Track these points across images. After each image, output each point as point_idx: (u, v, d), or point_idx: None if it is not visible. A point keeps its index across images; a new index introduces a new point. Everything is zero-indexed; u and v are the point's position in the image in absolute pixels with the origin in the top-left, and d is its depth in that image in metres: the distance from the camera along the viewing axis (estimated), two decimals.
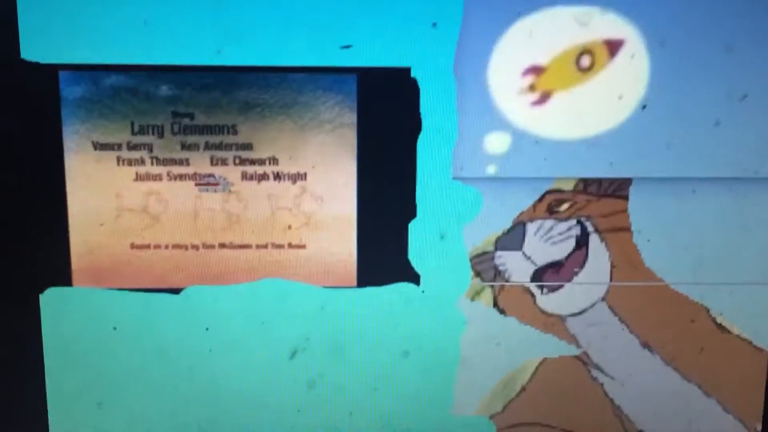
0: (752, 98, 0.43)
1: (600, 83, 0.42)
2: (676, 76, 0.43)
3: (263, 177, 0.43)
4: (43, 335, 0.45)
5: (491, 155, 0.43)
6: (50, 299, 0.44)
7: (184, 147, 0.43)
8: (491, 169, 0.44)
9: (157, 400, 0.46)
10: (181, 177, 0.43)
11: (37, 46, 0.41)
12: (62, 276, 0.44)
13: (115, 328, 0.45)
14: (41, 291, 0.44)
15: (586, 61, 0.42)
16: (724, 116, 0.43)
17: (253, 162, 0.43)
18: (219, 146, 0.43)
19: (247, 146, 0.43)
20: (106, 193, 0.43)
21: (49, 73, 0.41)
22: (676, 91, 0.43)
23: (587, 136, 0.43)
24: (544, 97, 0.43)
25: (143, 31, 0.41)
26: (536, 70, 0.42)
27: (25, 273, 0.44)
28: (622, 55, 0.42)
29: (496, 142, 0.43)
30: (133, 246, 0.44)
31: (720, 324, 0.46)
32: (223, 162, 0.43)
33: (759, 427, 0.48)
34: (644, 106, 0.43)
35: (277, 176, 0.43)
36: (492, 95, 0.43)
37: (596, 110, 0.43)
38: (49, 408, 0.46)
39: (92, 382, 0.46)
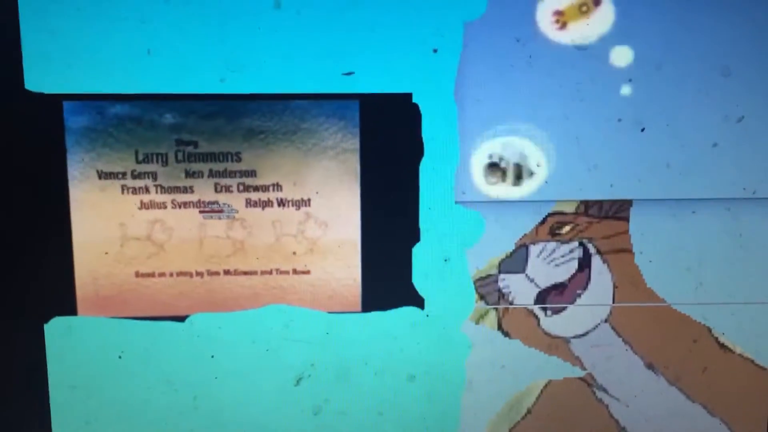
0: (749, 120, 0.43)
1: (599, 106, 0.42)
2: (674, 99, 0.42)
3: (267, 203, 0.43)
4: (48, 365, 0.44)
5: (493, 179, 0.43)
6: (55, 329, 0.44)
7: (188, 175, 0.42)
8: (493, 193, 0.43)
9: (163, 428, 0.45)
10: (185, 204, 0.43)
11: (41, 76, 0.41)
12: (67, 305, 0.43)
13: (120, 357, 0.44)
14: (46, 321, 0.44)
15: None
16: (721, 138, 0.43)
17: (257, 189, 0.42)
18: (223, 173, 0.42)
19: (251, 173, 0.42)
20: (110, 222, 0.42)
21: (53, 103, 0.41)
22: (674, 114, 0.43)
23: (587, 158, 0.43)
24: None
25: (147, 61, 0.41)
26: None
27: (30, 302, 0.43)
28: (620, 78, 0.42)
29: (498, 167, 0.43)
30: (138, 274, 0.43)
31: (723, 344, 0.46)
32: (227, 189, 0.42)
33: None
34: (643, 129, 0.43)
35: (281, 203, 0.43)
36: (492, 120, 0.42)
37: (596, 133, 0.43)
38: None
39: (98, 412, 0.45)
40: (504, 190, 0.43)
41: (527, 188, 0.43)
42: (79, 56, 0.41)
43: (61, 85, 0.41)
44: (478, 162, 0.42)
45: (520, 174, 0.43)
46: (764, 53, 0.42)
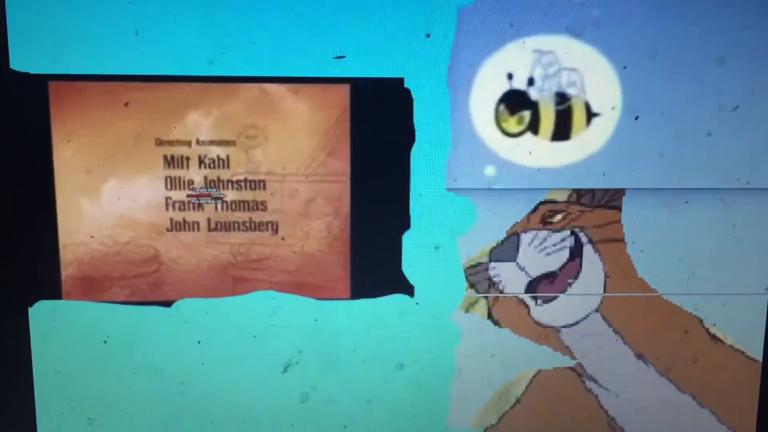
0: (743, 109, 0.42)
1: (593, 95, 0.41)
2: (668, 88, 0.42)
3: (256, 185, 0.42)
4: (32, 349, 0.43)
5: (485, 166, 0.42)
6: (39, 312, 0.43)
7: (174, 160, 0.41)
8: (485, 180, 0.42)
9: (149, 415, 0.45)
10: (172, 187, 0.42)
11: (26, 56, 0.40)
12: (52, 289, 0.43)
13: (105, 342, 0.43)
14: (30, 304, 0.43)
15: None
16: (715, 127, 0.42)
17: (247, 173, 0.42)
18: (212, 164, 0.41)
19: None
20: (96, 204, 0.42)
21: (39, 83, 0.40)
22: (668, 103, 0.42)
23: (581, 147, 0.42)
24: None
25: (134, 41, 0.40)
26: (530, 81, 0.41)
27: (14, 286, 0.42)
28: (615, 65, 0.41)
29: (490, 153, 0.42)
30: (123, 258, 0.42)
31: (713, 335, 0.45)
32: (216, 175, 0.42)
33: None
34: (636, 117, 0.42)
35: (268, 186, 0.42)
36: (485, 106, 0.41)
37: (589, 121, 0.42)
38: (38, 424, 0.44)
39: (82, 397, 0.44)
40: (496, 179, 0.42)
41: (519, 176, 0.42)
42: (66, 36, 0.39)
43: (47, 65, 0.40)
44: (470, 148, 0.42)
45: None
46: (759, 42, 0.41)
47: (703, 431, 0.47)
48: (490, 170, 0.42)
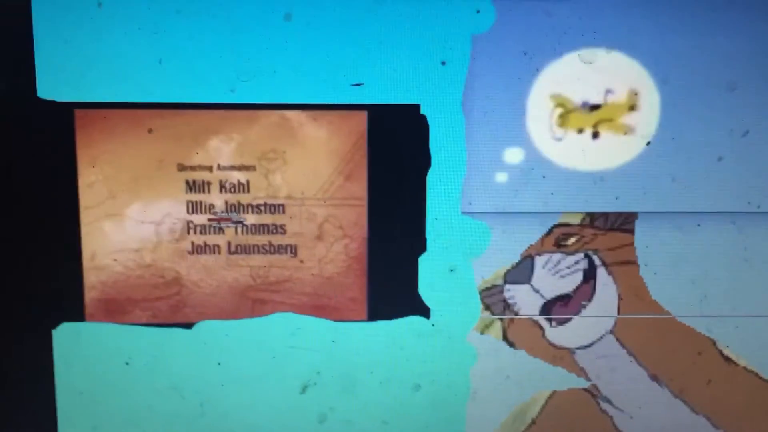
0: (754, 134, 0.42)
1: (605, 120, 0.42)
2: (680, 113, 0.42)
3: (275, 209, 0.42)
4: (55, 370, 0.44)
5: (500, 190, 0.42)
6: (63, 334, 0.43)
7: (196, 186, 0.42)
8: (500, 204, 0.42)
9: None
10: (193, 211, 0.42)
11: (53, 84, 0.40)
12: (75, 311, 0.43)
13: (127, 363, 0.44)
14: (54, 326, 0.43)
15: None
16: (727, 152, 0.42)
17: (267, 197, 0.42)
18: (231, 189, 0.42)
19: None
20: (120, 229, 0.42)
21: (65, 111, 0.41)
22: (680, 128, 0.42)
23: (594, 170, 0.42)
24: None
25: (158, 70, 0.40)
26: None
27: (38, 308, 0.43)
28: (626, 92, 0.42)
29: (505, 178, 0.42)
30: (146, 281, 0.43)
31: (727, 356, 0.45)
32: (236, 199, 0.42)
33: None
34: (648, 142, 0.42)
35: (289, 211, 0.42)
36: (500, 132, 0.42)
37: (602, 146, 0.42)
38: None
39: (105, 418, 0.44)
40: (511, 203, 0.42)
41: (533, 200, 0.42)
42: (91, 65, 0.40)
43: (73, 93, 0.40)
44: (485, 172, 0.42)
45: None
46: None
47: None
48: (504, 194, 0.42)
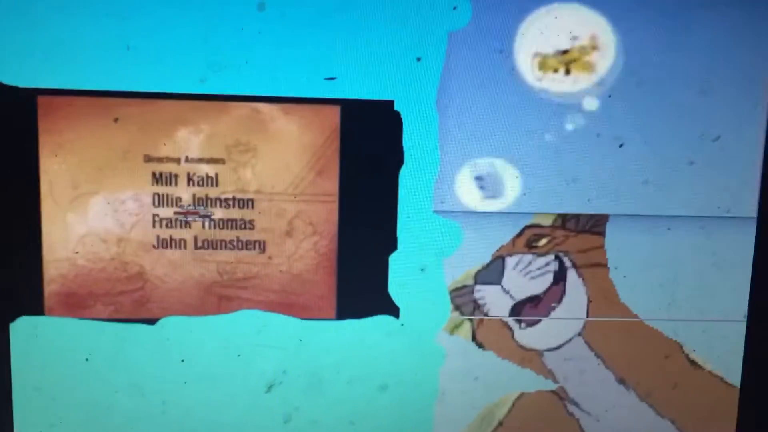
0: (725, 139, 0.42)
1: (579, 121, 0.41)
2: (652, 116, 0.42)
3: (244, 204, 0.41)
4: (12, 366, 0.42)
5: (472, 190, 0.42)
6: (21, 329, 0.42)
7: (162, 178, 0.41)
8: (471, 204, 0.42)
9: None
10: (159, 204, 0.41)
11: (16, 69, 0.39)
12: (34, 305, 0.41)
13: (87, 360, 0.42)
14: (12, 320, 0.41)
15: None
16: (698, 156, 0.42)
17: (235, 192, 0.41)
18: (200, 182, 0.41)
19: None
20: (81, 220, 0.41)
21: (28, 97, 0.39)
22: (652, 131, 0.42)
23: (566, 172, 0.42)
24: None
25: (126, 57, 0.39)
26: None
27: None
28: (600, 94, 0.41)
29: (477, 177, 0.42)
30: (108, 275, 0.41)
31: (693, 360, 0.45)
32: (204, 193, 0.41)
33: None
34: (621, 145, 0.42)
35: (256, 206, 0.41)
36: (473, 130, 0.41)
37: (574, 147, 0.42)
38: None
39: (63, 416, 0.43)
40: (483, 203, 0.42)
41: (505, 200, 0.42)
42: (56, 50, 0.39)
43: (36, 79, 0.39)
44: (457, 171, 0.41)
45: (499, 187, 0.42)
46: (741, 73, 0.42)
47: None
48: (476, 193, 0.42)
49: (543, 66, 0.41)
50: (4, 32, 0.38)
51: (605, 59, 0.41)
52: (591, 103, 0.41)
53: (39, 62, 0.39)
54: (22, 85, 0.39)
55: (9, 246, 0.40)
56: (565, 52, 0.41)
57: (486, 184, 0.42)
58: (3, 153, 0.40)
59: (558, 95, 0.41)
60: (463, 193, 0.42)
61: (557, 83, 0.41)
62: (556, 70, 0.41)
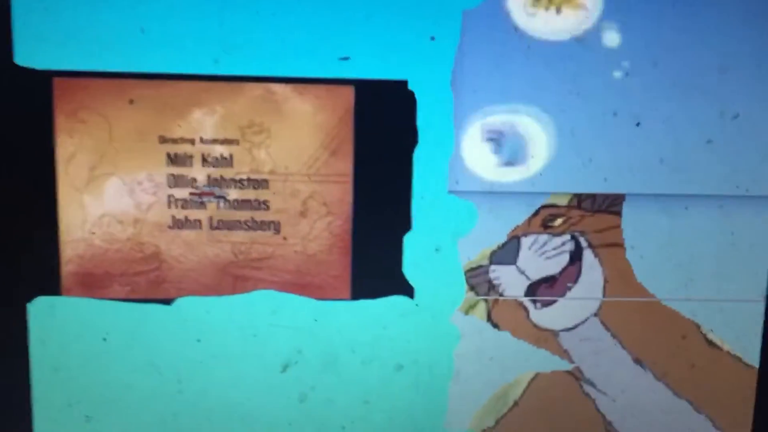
0: (744, 118, 0.41)
1: (595, 100, 0.41)
2: (670, 95, 0.41)
3: (259, 184, 0.41)
4: (30, 345, 0.42)
5: (487, 170, 0.41)
6: (39, 308, 0.42)
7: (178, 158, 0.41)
8: (486, 183, 0.42)
9: (147, 413, 0.44)
10: (175, 185, 0.41)
11: (31, 51, 0.39)
12: (51, 284, 0.42)
13: (105, 339, 0.42)
14: (29, 300, 0.42)
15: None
16: (716, 135, 0.42)
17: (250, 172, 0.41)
18: (215, 162, 0.41)
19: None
20: (98, 201, 0.41)
21: (44, 79, 0.39)
22: (669, 110, 0.41)
23: (582, 151, 0.41)
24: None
25: (141, 39, 0.39)
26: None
27: (13, 281, 0.41)
28: (617, 72, 0.41)
29: (492, 157, 0.41)
30: (124, 255, 0.41)
31: (710, 340, 0.44)
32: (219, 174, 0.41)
33: None
34: (638, 123, 0.41)
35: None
36: (489, 109, 0.41)
37: (591, 126, 0.41)
38: (34, 421, 0.43)
39: (80, 395, 0.43)
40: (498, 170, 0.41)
41: (520, 175, 0.42)
42: (72, 32, 0.39)
43: (52, 61, 0.39)
44: (472, 151, 0.41)
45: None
46: (760, 51, 0.41)
47: None
48: (492, 173, 0.41)
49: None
50: (21, 16, 0.38)
51: (623, 35, 0.40)
52: (609, 81, 0.41)
53: (55, 45, 0.39)
54: (38, 67, 0.39)
55: (26, 227, 0.41)
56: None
57: (501, 164, 0.41)
58: (20, 134, 0.40)
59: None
60: (478, 174, 0.41)
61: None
62: None
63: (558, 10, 0.40)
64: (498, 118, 0.41)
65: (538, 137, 0.41)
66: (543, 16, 0.40)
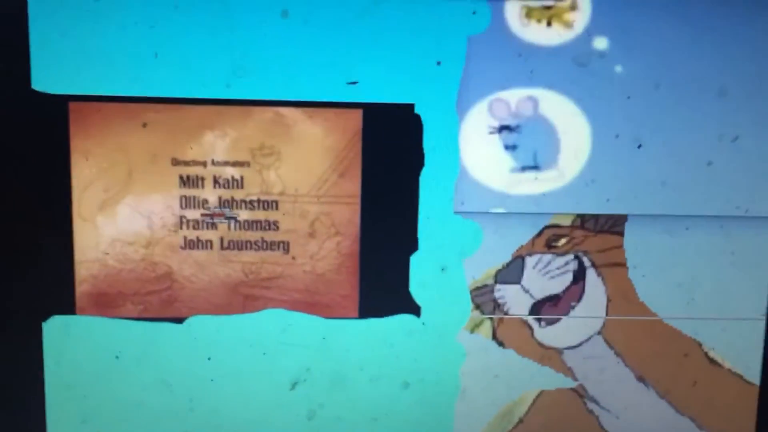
0: (743, 140, 0.42)
1: (598, 122, 0.42)
2: (671, 118, 0.42)
3: (269, 205, 0.42)
4: (44, 363, 0.43)
5: (492, 191, 0.42)
6: (53, 327, 0.42)
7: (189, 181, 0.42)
8: (491, 204, 0.42)
9: (159, 430, 0.44)
10: (186, 206, 0.42)
11: (47, 76, 0.40)
12: (66, 304, 0.42)
13: (117, 358, 0.43)
14: (44, 319, 0.42)
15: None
16: (716, 157, 0.42)
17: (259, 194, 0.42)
18: (225, 184, 0.41)
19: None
20: (111, 222, 0.41)
21: (60, 103, 0.40)
22: (670, 132, 0.42)
23: (585, 173, 0.42)
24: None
25: (154, 64, 0.40)
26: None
27: (28, 300, 0.42)
28: (619, 95, 0.41)
29: (497, 178, 0.42)
30: (137, 275, 0.42)
31: (712, 358, 0.45)
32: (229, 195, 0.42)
33: None
34: (639, 146, 0.42)
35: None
36: (493, 132, 0.41)
37: (593, 148, 0.42)
38: None
39: (94, 412, 0.44)
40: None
41: (525, 200, 0.42)
42: (87, 57, 0.40)
43: (68, 86, 0.40)
44: (477, 173, 0.42)
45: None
46: (759, 74, 0.42)
47: None
48: (496, 195, 0.42)
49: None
50: (37, 41, 0.39)
51: (624, 60, 0.41)
52: (612, 104, 0.42)
53: (70, 70, 0.40)
54: (54, 91, 0.40)
55: (42, 247, 0.41)
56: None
57: (505, 185, 0.42)
58: (37, 157, 0.41)
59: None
60: (483, 195, 0.42)
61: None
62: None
63: (559, 33, 0.41)
64: (502, 141, 0.42)
65: (542, 160, 0.42)
66: (545, 35, 0.41)
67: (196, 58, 0.40)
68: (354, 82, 0.41)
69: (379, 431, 0.45)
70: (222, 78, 0.40)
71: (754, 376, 0.45)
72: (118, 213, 0.42)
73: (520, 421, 0.45)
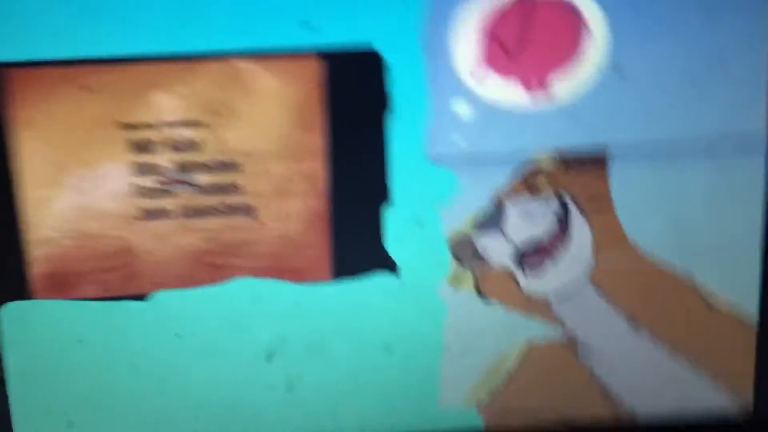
0: (730, 59, 0.40)
1: (570, 49, 0.39)
2: (650, 40, 0.39)
3: (228, 167, 0.39)
4: (4, 352, 0.40)
5: (464, 131, 0.39)
6: (9, 315, 0.40)
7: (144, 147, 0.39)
8: (465, 145, 0.39)
9: (131, 414, 0.42)
10: (139, 173, 0.39)
11: None
12: (20, 289, 0.40)
13: (80, 341, 0.41)
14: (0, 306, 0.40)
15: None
16: (701, 77, 0.40)
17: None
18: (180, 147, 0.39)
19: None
20: (66, 197, 0.39)
21: None
22: (651, 55, 0.39)
23: (563, 105, 0.39)
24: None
25: (91, 22, 0.37)
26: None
27: None
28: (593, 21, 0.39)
29: (469, 117, 0.39)
30: (92, 252, 0.39)
31: (707, 296, 0.43)
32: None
33: (751, 399, 0.45)
34: (621, 73, 0.39)
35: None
36: (462, 69, 0.39)
37: (569, 77, 0.39)
38: (14, 430, 0.41)
39: (60, 400, 0.41)
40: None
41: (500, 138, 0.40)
42: (20, 22, 0.36)
43: (4, 53, 0.37)
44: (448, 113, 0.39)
45: None
46: None
47: (700, 395, 0.44)
48: (470, 137, 0.39)
49: None
50: None
51: None
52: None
53: (6, 36, 0.37)
54: None
55: None
56: None
57: (479, 126, 0.39)
58: None
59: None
60: (455, 136, 0.39)
61: None
62: None
63: None
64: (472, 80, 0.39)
65: (516, 94, 0.39)
66: None
67: (135, 12, 0.37)
68: (308, 22, 0.38)
69: (363, 398, 0.43)
70: (166, 32, 0.37)
71: (752, 313, 0.43)
72: (66, 186, 0.39)
73: (510, 376, 0.43)
